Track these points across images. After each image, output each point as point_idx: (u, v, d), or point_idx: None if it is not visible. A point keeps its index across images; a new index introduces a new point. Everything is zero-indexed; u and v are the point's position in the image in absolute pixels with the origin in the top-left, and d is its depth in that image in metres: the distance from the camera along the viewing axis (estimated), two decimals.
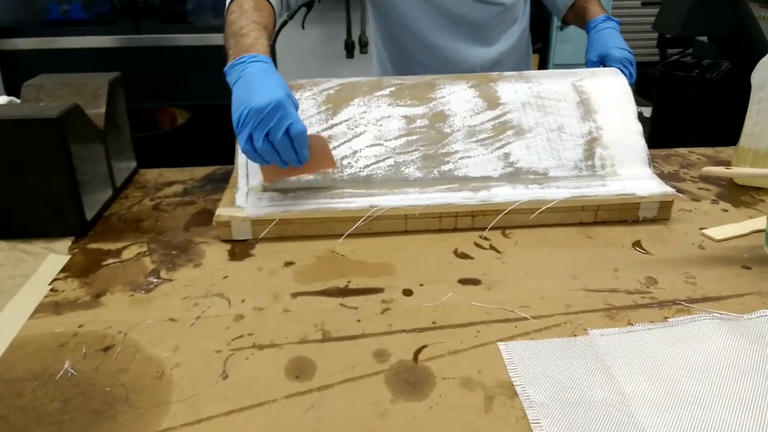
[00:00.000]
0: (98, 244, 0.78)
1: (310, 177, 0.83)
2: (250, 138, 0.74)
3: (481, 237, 0.78)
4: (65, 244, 0.78)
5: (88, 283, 0.69)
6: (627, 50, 1.08)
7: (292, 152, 0.76)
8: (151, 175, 0.99)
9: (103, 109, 0.86)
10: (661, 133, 2.44)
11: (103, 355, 0.57)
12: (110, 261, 0.74)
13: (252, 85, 0.75)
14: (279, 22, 0.97)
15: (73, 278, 0.70)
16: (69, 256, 0.75)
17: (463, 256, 0.74)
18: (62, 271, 0.72)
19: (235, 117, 0.75)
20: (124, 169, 0.96)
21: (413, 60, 1.17)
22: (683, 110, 2.39)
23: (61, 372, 0.55)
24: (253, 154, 0.75)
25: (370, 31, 1.26)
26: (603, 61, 1.08)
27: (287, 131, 0.74)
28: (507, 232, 0.79)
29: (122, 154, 0.95)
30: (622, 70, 1.05)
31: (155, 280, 0.69)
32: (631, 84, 1.01)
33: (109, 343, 0.59)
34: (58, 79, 0.89)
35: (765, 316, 0.61)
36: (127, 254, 0.75)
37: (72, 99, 0.82)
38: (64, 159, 0.74)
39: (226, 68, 0.81)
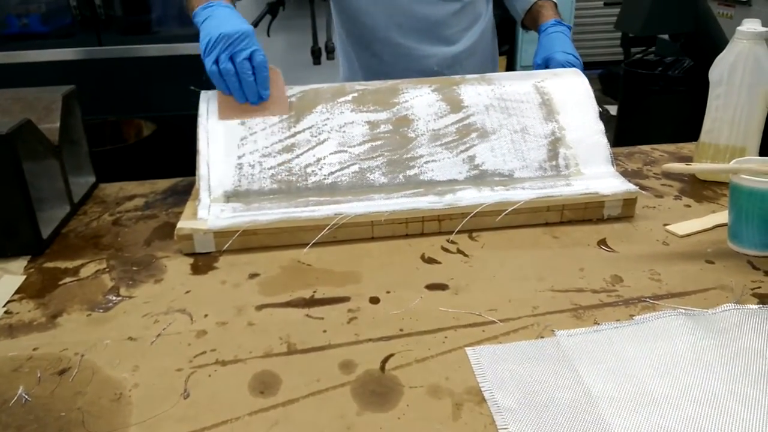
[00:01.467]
0: (55, 262, 0.75)
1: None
2: (216, 61, 0.82)
3: (448, 241, 0.78)
4: (21, 263, 0.75)
5: (44, 304, 0.67)
6: (571, 54, 1.08)
7: (252, 79, 0.84)
8: (111, 189, 0.97)
9: (57, 124, 0.83)
10: (627, 131, 2.48)
11: (59, 378, 0.55)
12: (67, 280, 0.71)
13: (221, 19, 0.85)
14: None
15: (29, 299, 0.68)
16: (24, 277, 0.72)
17: (431, 261, 0.74)
18: (17, 292, 0.69)
19: (203, 42, 0.83)
20: (83, 184, 0.93)
21: (374, 55, 1.17)
22: (648, 107, 2.43)
23: (15, 398, 0.53)
24: (218, 76, 0.83)
25: (335, 29, 1.25)
26: (547, 65, 1.09)
27: (251, 58, 0.83)
28: (474, 234, 0.79)
29: (80, 168, 0.93)
30: None
31: (114, 298, 0.67)
32: None
33: (65, 366, 0.57)
34: (9, 94, 0.86)
35: (728, 310, 0.61)
36: (85, 272, 0.73)
37: (24, 114, 0.80)
38: (15, 176, 0.72)
39: (195, 11, 0.89)
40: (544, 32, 1.14)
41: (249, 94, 0.85)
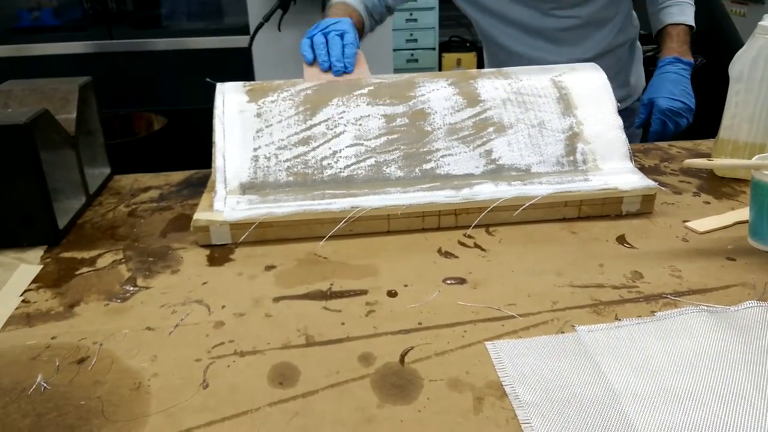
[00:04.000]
0: (71, 252, 0.75)
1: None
2: (311, 39, 0.94)
3: (465, 235, 0.77)
4: (37, 253, 0.75)
5: (62, 294, 0.67)
6: (678, 100, 1.07)
7: (340, 48, 0.92)
8: (126, 180, 0.97)
9: (74, 115, 0.83)
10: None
11: (78, 367, 0.55)
12: (84, 270, 0.71)
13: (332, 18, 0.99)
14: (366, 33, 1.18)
15: (46, 288, 0.68)
16: (41, 266, 0.72)
17: (448, 255, 0.73)
18: (34, 281, 0.69)
19: (309, 31, 0.95)
20: (98, 176, 0.93)
21: (504, 63, 1.22)
22: None
23: (34, 386, 0.53)
24: (308, 45, 0.93)
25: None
26: (651, 108, 1.10)
27: (342, 36, 0.93)
28: (491, 229, 0.79)
29: (95, 160, 0.93)
30: (665, 122, 1.07)
31: (131, 288, 0.67)
32: (669, 132, 1.06)
33: (84, 355, 0.57)
34: (26, 85, 0.86)
35: (751, 307, 0.60)
36: (101, 262, 0.73)
37: (41, 105, 0.80)
38: (33, 166, 0.72)
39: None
40: (659, 69, 1.13)
41: (334, 60, 0.90)
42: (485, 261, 0.72)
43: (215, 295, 0.66)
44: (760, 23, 0.85)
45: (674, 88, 1.09)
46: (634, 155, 0.88)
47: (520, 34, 1.19)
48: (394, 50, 2.35)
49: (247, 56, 2.23)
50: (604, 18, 1.19)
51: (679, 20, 1.16)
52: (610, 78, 1.22)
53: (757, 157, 0.73)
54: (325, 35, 0.93)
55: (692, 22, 1.17)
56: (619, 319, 0.60)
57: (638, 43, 1.28)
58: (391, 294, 0.65)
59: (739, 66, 0.88)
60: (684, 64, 1.12)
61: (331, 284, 0.68)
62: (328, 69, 0.91)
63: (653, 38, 1.24)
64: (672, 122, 1.09)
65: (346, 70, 0.90)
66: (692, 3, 1.19)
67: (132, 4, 2.60)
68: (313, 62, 0.92)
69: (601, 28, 1.19)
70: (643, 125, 1.14)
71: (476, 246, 0.75)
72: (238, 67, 2.30)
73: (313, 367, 0.55)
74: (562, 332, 0.58)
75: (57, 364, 0.56)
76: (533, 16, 1.16)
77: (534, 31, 1.18)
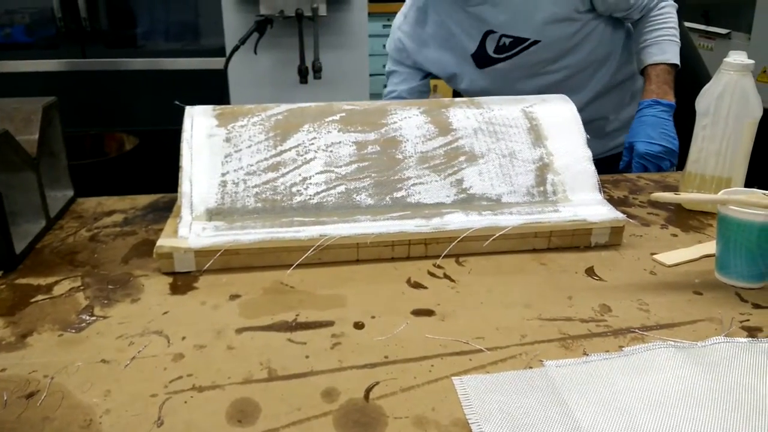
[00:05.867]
0: (28, 279, 0.73)
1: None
2: None
3: (434, 265, 0.76)
4: None
5: (14, 323, 0.64)
6: (656, 143, 1.07)
7: None
8: (89, 204, 0.94)
9: (36, 136, 0.81)
10: None
11: (26, 402, 0.52)
12: (40, 297, 0.69)
13: None
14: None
15: None
16: None
17: (417, 285, 0.72)
18: None
19: None
20: (60, 198, 0.90)
21: None
22: None
23: None
24: None
25: None
26: (631, 152, 1.10)
27: None
28: (461, 259, 0.78)
29: (58, 182, 0.90)
30: (644, 165, 1.07)
31: (88, 318, 0.65)
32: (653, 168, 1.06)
33: (34, 389, 0.54)
34: None
35: (718, 343, 0.60)
36: (58, 290, 0.70)
37: (1, 125, 0.77)
38: None
39: None
40: (638, 113, 1.13)
41: None
42: (454, 292, 0.71)
43: (176, 325, 0.64)
44: (725, 59, 0.87)
45: (652, 132, 1.09)
46: (603, 186, 0.88)
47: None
48: (371, 75, 2.36)
49: (223, 78, 2.22)
50: (598, 60, 1.20)
51: (658, 60, 1.15)
52: (617, 112, 1.18)
53: (723, 191, 0.74)
54: None
55: (674, 60, 1.15)
56: (587, 354, 0.59)
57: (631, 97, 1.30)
58: (358, 326, 0.64)
59: (705, 101, 0.89)
60: (663, 105, 1.11)
61: (297, 315, 0.66)
62: None
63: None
64: (653, 166, 1.09)
65: None
66: (675, 39, 1.17)
67: (106, 23, 2.58)
68: None
69: (598, 69, 1.21)
70: (626, 168, 1.15)
71: (446, 276, 0.74)
72: (214, 88, 2.28)
73: (274, 404, 0.53)
74: (530, 367, 0.58)
75: (5, 398, 0.53)
76: (527, 82, 1.18)
77: (534, 91, 1.20)
